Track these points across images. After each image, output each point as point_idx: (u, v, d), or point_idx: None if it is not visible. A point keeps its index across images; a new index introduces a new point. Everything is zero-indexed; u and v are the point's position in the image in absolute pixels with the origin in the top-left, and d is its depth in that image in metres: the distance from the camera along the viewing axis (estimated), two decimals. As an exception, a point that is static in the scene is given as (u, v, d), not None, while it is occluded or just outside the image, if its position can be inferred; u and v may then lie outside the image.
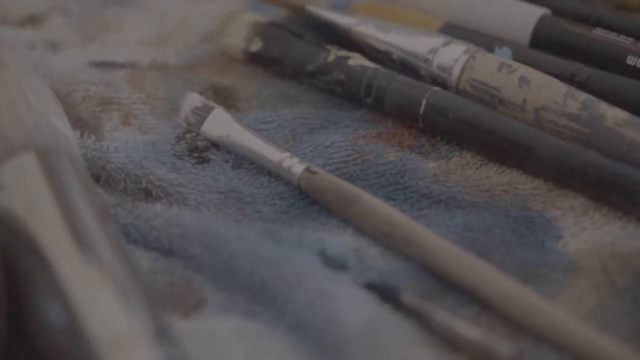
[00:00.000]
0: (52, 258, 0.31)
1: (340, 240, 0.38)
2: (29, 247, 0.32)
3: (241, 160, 0.43)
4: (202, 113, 0.44)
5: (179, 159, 0.44)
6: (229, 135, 0.43)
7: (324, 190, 0.40)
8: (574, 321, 0.34)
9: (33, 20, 0.55)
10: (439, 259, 0.36)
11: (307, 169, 0.41)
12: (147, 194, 0.41)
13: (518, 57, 0.45)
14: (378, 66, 0.45)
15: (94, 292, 0.30)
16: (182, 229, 0.38)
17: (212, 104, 0.44)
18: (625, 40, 0.46)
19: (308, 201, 0.41)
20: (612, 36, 0.46)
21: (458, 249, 0.37)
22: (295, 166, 0.41)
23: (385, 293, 0.36)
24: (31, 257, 0.32)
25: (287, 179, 0.41)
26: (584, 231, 0.39)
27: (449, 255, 0.36)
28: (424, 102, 0.43)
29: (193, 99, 0.45)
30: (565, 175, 0.40)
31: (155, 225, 0.38)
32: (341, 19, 0.48)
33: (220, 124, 0.44)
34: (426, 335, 0.34)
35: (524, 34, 0.48)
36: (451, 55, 0.45)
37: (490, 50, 0.46)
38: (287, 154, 0.42)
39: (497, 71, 0.43)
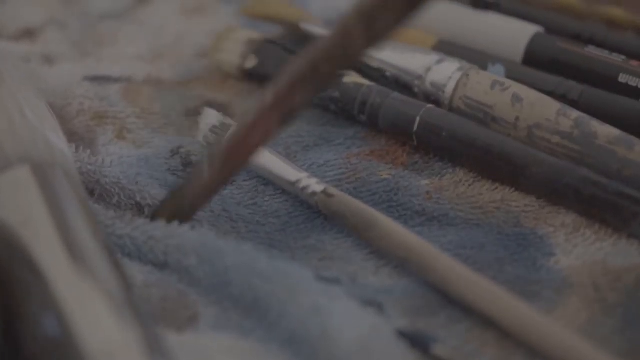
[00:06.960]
0: (46, 270, 0.31)
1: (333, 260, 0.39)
2: (23, 259, 0.32)
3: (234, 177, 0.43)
4: (220, 132, 0.43)
5: (173, 174, 0.44)
6: None
7: (342, 214, 0.40)
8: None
9: (29, 34, 0.55)
10: (454, 285, 0.36)
11: (324, 192, 0.40)
12: (140, 209, 0.41)
13: (511, 74, 0.46)
14: (372, 83, 0.46)
15: (87, 304, 0.30)
16: (179, 240, 0.37)
17: (229, 121, 0.43)
18: (617, 58, 0.46)
19: (303, 219, 0.41)
20: (604, 54, 0.46)
21: (474, 275, 0.36)
22: (313, 187, 0.41)
23: (417, 341, 0.35)
24: (25, 269, 0.32)
25: (305, 200, 0.41)
26: (576, 248, 0.39)
27: (464, 281, 0.36)
28: (417, 119, 0.43)
29: (210, 117, 0.44)
30: (557, 192, 0.40)
31: (153, 236, 0.38)
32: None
33: None
34: (419, 354, 0.34)
35: (517, 51, 0.48)
36: (445, 73, 0.45)
37: (484, 67, 0.46)
38: (305, 174, 0.41)
39: (490, 89, 0.44)
